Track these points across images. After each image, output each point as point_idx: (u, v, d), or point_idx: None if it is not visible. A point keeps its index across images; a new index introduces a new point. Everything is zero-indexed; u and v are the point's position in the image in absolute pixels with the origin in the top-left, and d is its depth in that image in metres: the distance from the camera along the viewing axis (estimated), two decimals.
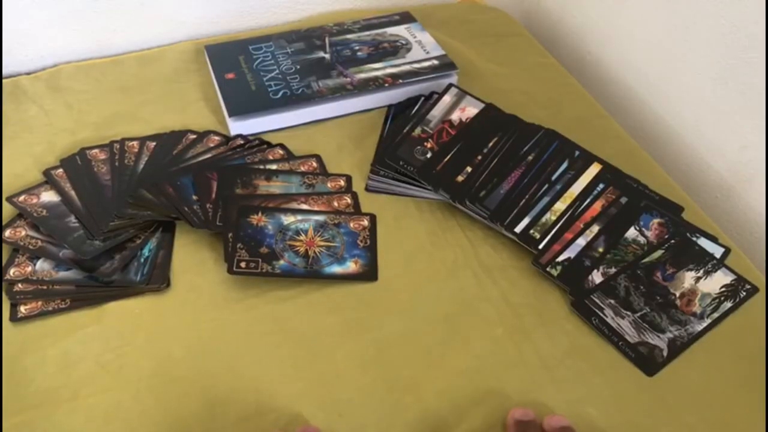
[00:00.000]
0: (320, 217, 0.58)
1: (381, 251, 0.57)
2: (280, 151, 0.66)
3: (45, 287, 0.52)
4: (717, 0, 0.64)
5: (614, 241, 0.57)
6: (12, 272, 0.53)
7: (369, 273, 0.55)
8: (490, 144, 0.63)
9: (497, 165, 0.61)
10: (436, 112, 0.66)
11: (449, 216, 0.60)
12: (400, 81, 0.70)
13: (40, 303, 0.51)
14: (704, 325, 0.52)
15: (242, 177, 0.61)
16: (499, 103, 0.67)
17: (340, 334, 0.51)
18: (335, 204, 0.60)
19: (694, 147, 0.71)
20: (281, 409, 0.46)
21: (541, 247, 0.56)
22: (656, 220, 0.58)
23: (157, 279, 0.53)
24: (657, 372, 0.50)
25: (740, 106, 0.64)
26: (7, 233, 0.55)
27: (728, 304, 0.53)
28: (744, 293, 0.54)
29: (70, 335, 0.50)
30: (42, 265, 0.54)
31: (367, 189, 0.63)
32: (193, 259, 0.56)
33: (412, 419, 0.46)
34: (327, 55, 0.74)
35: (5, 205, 0.58)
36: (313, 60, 0.73)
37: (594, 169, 0.62)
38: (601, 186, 0.60)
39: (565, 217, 0.58)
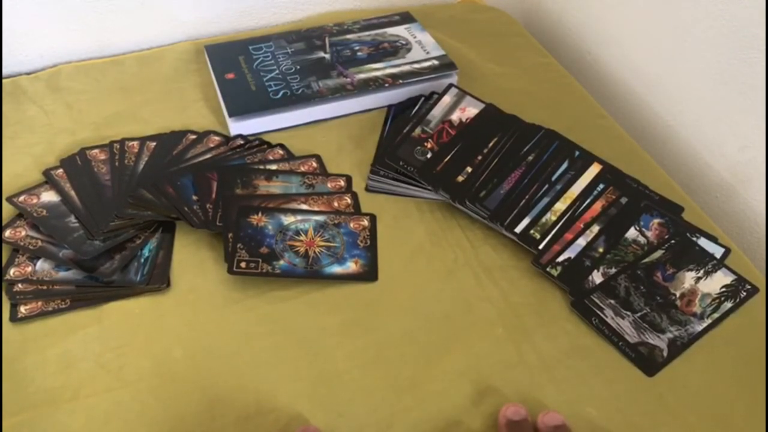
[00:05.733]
0: (320, 218, 0.58)
1: (381, 251, 0.57)
2: (280, 151, 0.66)
3: (45, 287, 0.52)
4: (717, 0, 0.64)
5: (614, 242, 0.57)
6: (12, 272, 0.53)
7: (369, 273, 0.55)
8: (490, 144, 0.63)
9: (497, 165, 0.61)
10: (436, 113, 0.66)
11: (449, 216, 0.60)
12: (400, 81, 0.70)
13: (40, 303, 0.51)
14: (704, 325, 0.52)
15: (242, 177, 0.61)
16: (499, 103, 0.67)
17: (340, 334, 0.51)
18: (335, 204, 0.60)
19: (694, 147, 0.71)
20: (281, 409, 0.46)
21: (541, 247, 0.56)
22: (656, 221, 0.58)
23: (157, 279, 0.53)
24: (657, 372, 0.50)
25: (740, 106, 0.64)
26: (7, 233, 0.55)
27: (728, 305, 0.53)
28: (744, 293, 0.54)
29: (70, 335, 0.50)
30: (42, 265, 0.54)
31: (367, 189, 0.63)
32: (193, 260, 0.56)
33: (412, 419, 0.46)
34: (327, 55, 0.74)
35: (5, 205, 0.58)
36: (313, 60, 0.73)
37: (594, 170, 0.62)
38: (601, 186, 0.60)
39: (566, 218, 0.58)
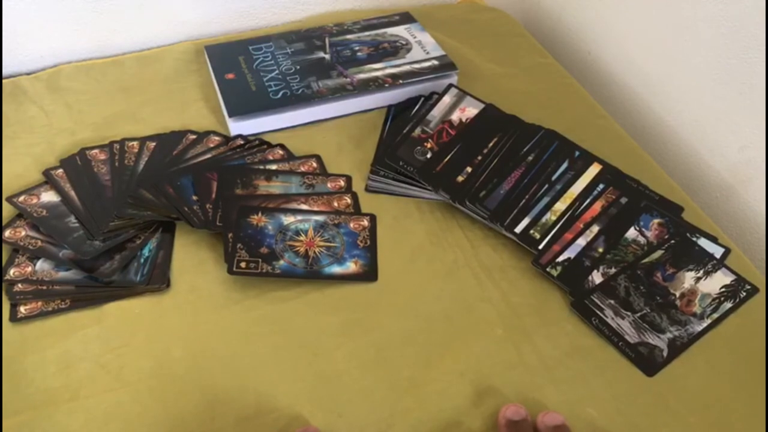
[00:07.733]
0: (320, 218, 0.58)
1: (381, 251, 0.57)
2: (280, 152, 0.66)
3: (45, 287, 0.52)
4: (717, 0, 0.64)
5: (614, 242, 0.57)
6: (12, 272, 0.53)
7: (369, 273, 0.55)
8: (490, 144, 0.63)
9: (497, 165, 0.61)
10: (436, 113, 0.66)
11: (449, 216, 0.60)
12: (400, 81, 0.70)
13: (40, 303, 0.51)
14: (704, 325, 0.52)
15: (242, 177, 0.61)
16: (499, 103, 0.67)
17: (340, 334, 0.51)
18: (335, 204, 0.60)
19: (694, 147, 0.71)
20: (281, 409, 0.46)
21: (541, 247, 0.56)
22: (656, 221, 0.58)
23: (157, 279, 0.53)
24: (657, 372, 0.50)
25: (740, 106, 0.64)
26: (7, 233, 0.55)
27: (728, 305, 0.53)
28: (744, 293, 0.54)
29: (70, 335, 0.50)
30: (42, 266, 0.54)
31: (367, 189, 0.63)
32: (193, 260, 0.56)
33: (411, 419, 0.46)
34: (327, 56, 0.74)
35: (5, 205, 0.58)
36: (313, 60, 0.73)
37: (594, 170, 0.62)
38: (601, 186, 0.60)
39: (565, 218, 0.58)
